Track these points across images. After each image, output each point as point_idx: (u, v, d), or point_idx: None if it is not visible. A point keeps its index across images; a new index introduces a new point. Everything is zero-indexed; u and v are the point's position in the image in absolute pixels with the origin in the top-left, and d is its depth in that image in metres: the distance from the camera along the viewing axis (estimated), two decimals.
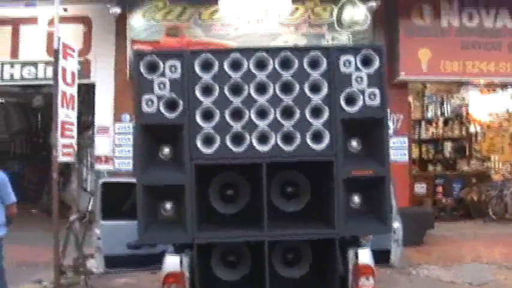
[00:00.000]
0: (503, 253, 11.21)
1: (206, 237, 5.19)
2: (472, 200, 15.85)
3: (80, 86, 10.13)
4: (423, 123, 18.18)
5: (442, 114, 18.04)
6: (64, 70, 9.19)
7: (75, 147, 9.62)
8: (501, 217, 15.13)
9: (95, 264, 8.30)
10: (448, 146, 17.91)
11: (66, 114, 9.20)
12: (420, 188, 15.48)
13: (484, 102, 16.95)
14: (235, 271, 5.77)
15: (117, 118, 13.22)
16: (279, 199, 5.69)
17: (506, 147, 17.02)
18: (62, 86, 9.05)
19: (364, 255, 5.24)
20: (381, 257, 5.90)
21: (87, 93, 13.62)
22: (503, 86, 15.64)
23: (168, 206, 5.30)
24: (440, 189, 16.03)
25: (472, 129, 17.63)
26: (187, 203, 5.07)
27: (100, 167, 13.17)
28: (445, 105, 17.99)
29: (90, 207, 9.80)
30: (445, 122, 18.00)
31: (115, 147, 13.11)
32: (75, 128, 9.59)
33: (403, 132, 13.58)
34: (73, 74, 9.49)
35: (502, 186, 15.56)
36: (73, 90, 9.45)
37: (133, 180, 5.71)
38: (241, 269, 5.76)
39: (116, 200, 7.05)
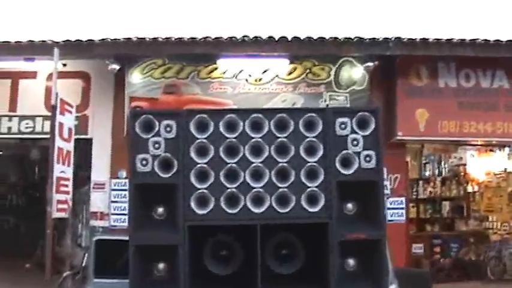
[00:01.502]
0: None
1: None
2: (470, 260, 15.71)
3: (77, 141, 10.15)
4: (421, 182, 18.14)
5: (440, 173, 18.05)
6: (61, 126, 9.23)
7: (70, 203, 9.57)
8: (499, 278, 14.98)
9: None
10: (446, 206, 17.84)
11: (62, 170, 9.19)
12: (417, 248, 15.35)
13: (482, 162, 16.98)
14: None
15: (113, 174, 13.22)
16: (273, 261, 5.60)
17: (504, 207, 16.95)
18: (58, 142, 9.09)
19: None
20: None
21: (84, 149, 13.60)
22: (501, 146, 15.64)
23: (161, 266, 5.22)
24: (437, 249, 15.92)
25: (469, 188, 17.60)
26: (180, 263, 5.01)
27: (95, 223, 13.12)
28: (442, 165, 17.97)
29: (84, 263, 9.70)
30: (443, 182, 17.97)
31: (111, 203, 13.10)
32: (70, 184, 9.58)
33: (400, 193, 13.58)
34: (70, 129, 9.53)
35: (501, 246, 15.44)
36: (69, 146, 9.47)
37: (127, 238, 5.66)
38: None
39: (110, 257, 6.99)
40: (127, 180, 12.73)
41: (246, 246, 5.57)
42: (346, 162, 5.19)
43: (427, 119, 13.47)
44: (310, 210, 5.13)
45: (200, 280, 5.30)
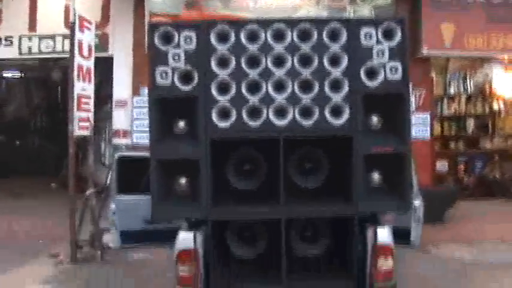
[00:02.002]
0: None
1: (220, 213, 5.08)
2: (494, 178, 15.61)
3: (97, 59, 10.00)
4: (445, 99, 17.83)
5: (465, 90, 17.65)
6: (80, 43, 9.07)
7: (92, 120, 9.52)
8: None
9: (110, 239, 8.28)
10: (470, 123, 17.53)
11: (83, 88, 9.09)
12: (442, 165, 15.24)
13: (508, 79, 16.58)
14: (251, 248, 5.64)
15: (135, 92, 13.13)
16: (297, 175, 5.54)
17: None
18: (78, 59, 8.95)
19: (384, 234, 5.09)
20: (401, 236, 5.73)
21: (105, 67, 13.47)
22: None
23: (183, 180, 5.17)
24: (462, 167, 15.82)
25: (495, 106, 17.25)
26: (202, 178, 4.96)
27: (118, 141, 13.12)
28: (468, 82, 17.61)
29: (108, 182, 9.74)
30: (468, 99, 17.63)
31: (133, 121, 13.07)
32: (92, 102, 9.48)
33: (425, 109, 13.37)
34: (90, 46, 9.36)
35: None
36: (90, 63, 9.33)
37: (148, 154, 5.60)
38: (257, 246, 5.63)
39: (132, 174, 6.97)
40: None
41: (269, 160, 5.51)
42: (372, 74, 5.04)
43: (453, 34, 13.10)
44: (335, 122, 5.03)
45: (222, 195, 5.26)
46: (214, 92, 4.97)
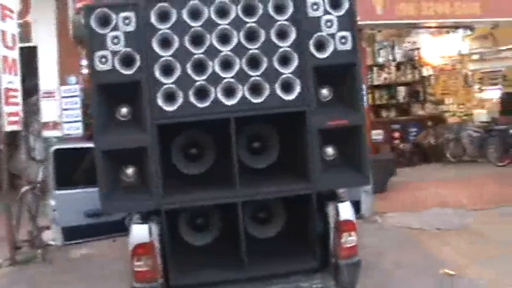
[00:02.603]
0: (468, 196, 11.15)
1: (174, 202, 4.83)
2: (429, 144, 15.79)
3: (21, 50, 9.51)
4: (375, 68, 17.89)
5: (394, 59, 17.76)
6: (4, 33, 8.59)
7: (22, 114, 9.07)
8: (459, 159, 15.11)
9: (51, 236, 7.94)
10: (401, 91, 17.66)
11: (10, 81, 8.62)
12: (377, 134, 15.29)
13: (436, 45, 16.78)
14: (205, 234, 5.46)
15: (62, 81, 12.64)
16: (246, 155, 5.37)
17: (460, 90, 16.94)
18: (2, 50, 8.46)
19: (346, 210, 4.96)
20: None
21: (29, 57, 12.90)
22: (456, 27, 15.40)
23: (130, 170, 4.92)
24: (396, 134, 15.92)
25: (424, 72, 17.45)
26: (151, 166, 4.70)
27: (48, 133, 12.63)
28: (396, 50, 17.71)
29: (40, 177, 9.35)
30: (397, 67, 17.75)
31: (62, 111, 12.61)
32: (20, 94, 9.02)
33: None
34: (13, 36, 8.87)
35: (459, 128, 15.50)
36: (15, 54, 8.85)
37: (86, 144, 5.28)
38: (211, 232, 5.46)
39: (70, 167, 6.65)
40: (77, 86, 12.38)
41: (217, 142, 5.31)
42: (321, 45, 4.87)
43: (385, 2, 13.05)
44: (286, 98, 4.84)
45: (172, 182, 5.02)
46: (158, 74, 4.71)
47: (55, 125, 12.61)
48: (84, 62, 12.10)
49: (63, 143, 10.31)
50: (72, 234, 6.69)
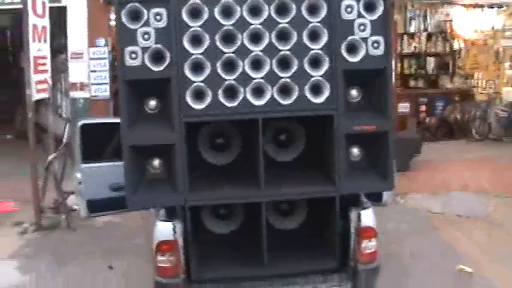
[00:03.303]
0: (490, 181, 11.08)
1: (199, 198, 4.88)
2: (456, 119, 15.64)
3: (50, 10, 9.46)
4: (405, 37, 17.65)
5: (425, 29, 17.50)
6: (34, 1, 8.55)
7: (50, 81, 9.11)
8: (484, 137, 14.99)
9: (75, 202, 8.04)
10: (430, 62, 17.46)
11: (39, 49, 8.63)
12: (403, 107, 15.18)
13: (469, 19, 16.48)
14: (227, 224, 5.53)
15: (91, 43, 12.63)
16: (272, 148, 5.40)
17: (490, 65, 16.71)
18: (32, 19, 8.45)
19: (368, 217, 4.98)
20: (372, 197, 5.60)
21: (58, 17, 12.87)
22: (490, 5, 15.14)
23: (156, 162, 4.97)
24: (423, 108, 15.79)
25: (455, 45, 17.21)
26: (178, 162, 4.72)
27: (75, 94, 12.70)
28: (428, 20, 17.45)
29: (66, 137, 9.41)
30: (428, 37, 17.51)
31: (90, 73, 12.64)
32: (48, 62, 9.04)
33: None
34: (43, 3, 8.84)
35: (486, 106, 15.34)
36: (45, 22, 8.84)
37: (112, 120, 5.29)
38: (234, 221, 5.53)
39: (96, 141, 6.69)
40: (106, 48, 12.39)
41: (243, 133, 5.33)
42: (353, 49, 4.82)
43: None
44: (315, 101, 4.81)
45: (198, 174, 5.05)
46: (187, 72, 4.69)
47: (82, 86, 12.67)
48: (113, 23, 12.03)
49: (89, 118, 10.34)
50: (97, 207, 6.77)
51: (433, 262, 7.21)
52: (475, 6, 15.20)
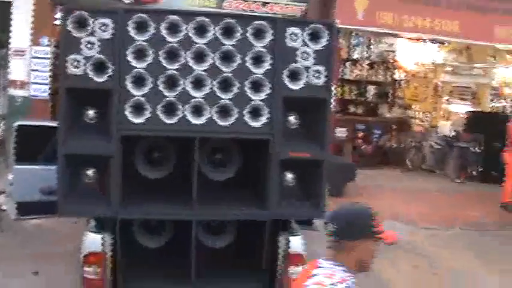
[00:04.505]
0: (421, 211, 11.29)
1: (131, 212, 4.87)
2: (391, 148, 15.94)
3: None
4: (348, 63, 17.92)
5: (368, 57, 17.84)
6: None
7: None
8: (418, 168, 15.32)
9: (4, 201, 7.87)
10: (371, 90, 17.78)
11: None
12: (341, 132, 15.34)
13: (411, 51, 16.87)
14: (158, 238, 5.50)
15: (35, 41, 12.40)
16: (206, 166, 5.39)
17: (428, 98, 17.13)
18: None
19: (297, 243, 5.02)
20: (302, 220, 5.67)
21: (2, 12, 12.60)
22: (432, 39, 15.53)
23: (91, 173, 4.93)
24: (360, 134, 16.01)
25: (396, 75, 17.58)
26: (112, 175, 4.71)
27: (14, 92, 12.44)
28: (372, 48, 17.77)
29: (1, 133, 9.24)
30: (371, 65, 17.83)
31: (31, 72, 12.41)
32: None
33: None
34: None
35: (422, 137, 15.70)
36: None
37: (50, 123, 5.26)
38: (164, 237, 5.50)
39: (32, 143, 6.60)
40: (49, 48, 12.18)
41: (180, 148, 5.33)
42: (295, 76, 4.89)
43: (366, 8, 13.03)
44: (253, 124, 4.86)
45: (131, 188, 5.03)
46: (129, 85, 4.68)
47: (22, 85, 12.42)
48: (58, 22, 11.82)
49: (26, 120, 10.18)
50: (28, 209, 6.67)
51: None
52: (418, 39, 15.51)
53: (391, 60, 17.54)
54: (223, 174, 5.48)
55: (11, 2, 12.44)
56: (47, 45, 12.41)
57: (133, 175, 5.30)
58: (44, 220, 8.50)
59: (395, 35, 15.09)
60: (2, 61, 13.35)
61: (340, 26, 12.83)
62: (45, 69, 12.32)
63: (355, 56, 17.86)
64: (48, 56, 12.41)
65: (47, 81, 12.34)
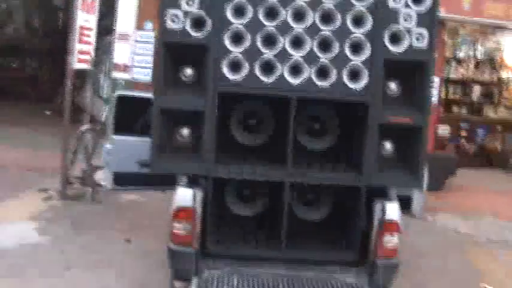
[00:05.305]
0: None
1: (223, 171, 4.80)
2: (495, 149, 15.36)
3: None
4: (453, 62, 17.41)
5: (474, 55, 17.26)
6: None
7: (93, 53, 9.15)
8: None
9: (103, 177, 8.06)
10: (476, 90, 17.20)
11: (86, 19, 8.69)
12: (443, 130, 14.92)
13: None
14: (251, 206, 5.45)
15: (139, 25, 12.63)
16: (304, 136, 5.29)
17: None
18: None
19: (393, 211, 4.84)
20: (402, 203, 5.48)
21: None
22: None
23: (185, 131, 4.89)
24: (463, 133, 15.53)
25: (503, 75, 16.91)
26: (207, 132, 4.66)
27: (117, 75, 12.70)
28: (478, 47, 17.19)
29: (104, 116, 9.45)
30: (476, 64, 17.26)
31: (134, 55, 12.65)
32: (94, 34, 9.09)
33: (435, 73, 12.98)
34: None
35: None
36: None
37: (150, 95, 5.30)
38: (256, 205, 5.44)
39: (131, 115, 6.68)
40: (153, 33, 12.39)
41: (276, 116, 5.24)
42: (396, 39, 4.71)
43: None
44: (352, 86, 4.71)
45: (225, 150, 4.98)
46: (227, 41, 4.63)
47: (125, 68, 12.66)
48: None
49: (127, 91, 10.37)
50: (123, 180, 6.75)
51: (456, 278, 7.05)
52: None
53: (497, 59, 16.88)
54: (320, 144, 5.36)
55: None
56: (151, 30, 12.62)
57: (228, 139, 5.26)
58: (138, 195, 8.69)
59: (502, 28, 14.49)
60: (107, 47, 13.70)
61: (444, 15, 12.53)
62: (148, 52, 12.53)
63: (461, 55, 17.33)
64: (152, 40, 12.62)
65: (150, 65, 12.55)
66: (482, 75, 17.16)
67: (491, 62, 17.00)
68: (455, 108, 17.21)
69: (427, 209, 9.68)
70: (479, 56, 17.15)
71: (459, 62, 17.29)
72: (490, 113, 16.77)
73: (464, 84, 17.33)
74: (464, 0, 12.66)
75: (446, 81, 16.90)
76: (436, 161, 10.36)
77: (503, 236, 9.11)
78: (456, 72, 17.30)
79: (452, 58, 17.12)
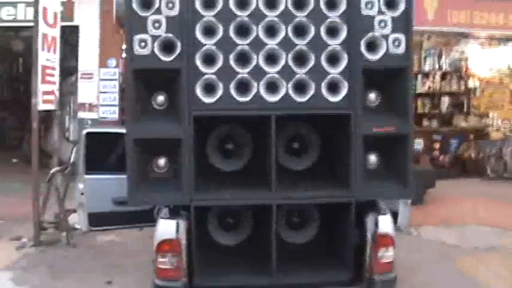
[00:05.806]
0: (507, 215, 10.69)
1: (206, 199, 4.60)
2: (470, 157, 15.35)
3: (62, 29, 9.33)
4: (420, 76, 17.43)
5: (440, 68, 17.30)
6: (45, 10, 8.40)
7: (57, 94, 8.91)
8: (499, 176, 14.67)
9: (77, 220, 7.78)
10: (445, 101, 17.21)
11: (48, 58, 8.44)
12: (417, 144, 14.87)
13: (485, 57, 16.26)
14: (235, 234, 5.23)
15: (102, 63, 12.48)
16: (284, 156, 5.11)
17: (506, 105, 16.45)
18: (42, 27, 8.28)
19: (385, 223, 4.68)
20: None
21: (70, 37, 12.76)
22: (507, 40, 14.93)
23: (162, 162, 4.71)
24: (437, 145, 15.50)
25: (470, 84, 16.96)
26: (185, 159, 4.46)
27: (83, 115, 12.51)
28: (443, 59, 17.23)
29: (72, 158, 9.17)
30: (443, 76, 17.28)
31: (99, 94, 12.46)
32: (57, 73, 8.84)
33: None
34: (55, 14, 8.69)
35: (502, 144, 15.05)
36: (55, 32, 8.67)
37: (119, 130, 5.10)
38: (241, 232, 5.23)
39: (101, 151, 6.46)
40: (117, 70, 12.23)
41: (254, 139, 5.07)
42: (373, 46, 4.58)
43: (437, 8, 12.63)
44: (332, 99, 4.55)
45: (204, 177, 4.77)
46: (199, 63, 4.47)
47: (91, 107, 12.48)
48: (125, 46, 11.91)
49: (95, 127, 10.15)
50: (99, 220, 6.51)
51: None
52: (491, 38, 14.90)
53: (464, 69, 16.94)
54: (302, 164, 5.19)
55: (78, 26, 12.59)
56: (115, 67, 12.46)
57: (207, 167, 5.06)
58: (114, 235, 8.43)
59: (467, 36, 14.57)
60: (71, 87, 13.48)
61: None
62: (113, 90, 12.36)
63: (426, 68, 17.36)
64: (116, 77, 12.46)
65: (116, 103, 12.36)
66: (449, 86, 17.14)
67: (458, 72, 17.01)
68: (425, 122, 17.17)
69: (411, 223, 9.50)
70: (444, 67, 17.15)
71: (426, 75, 17.28)
72: (461, 122, 16.76)
73: (433, 96, 17.32)
74: (429, 9, 12.68)
75: (415, 96, 16.90)
76: (415, 175, 10.23)
77: (490, 243, 8.97)
78: (424, 86, 17.28)
79: (418, 72, 17.12)
